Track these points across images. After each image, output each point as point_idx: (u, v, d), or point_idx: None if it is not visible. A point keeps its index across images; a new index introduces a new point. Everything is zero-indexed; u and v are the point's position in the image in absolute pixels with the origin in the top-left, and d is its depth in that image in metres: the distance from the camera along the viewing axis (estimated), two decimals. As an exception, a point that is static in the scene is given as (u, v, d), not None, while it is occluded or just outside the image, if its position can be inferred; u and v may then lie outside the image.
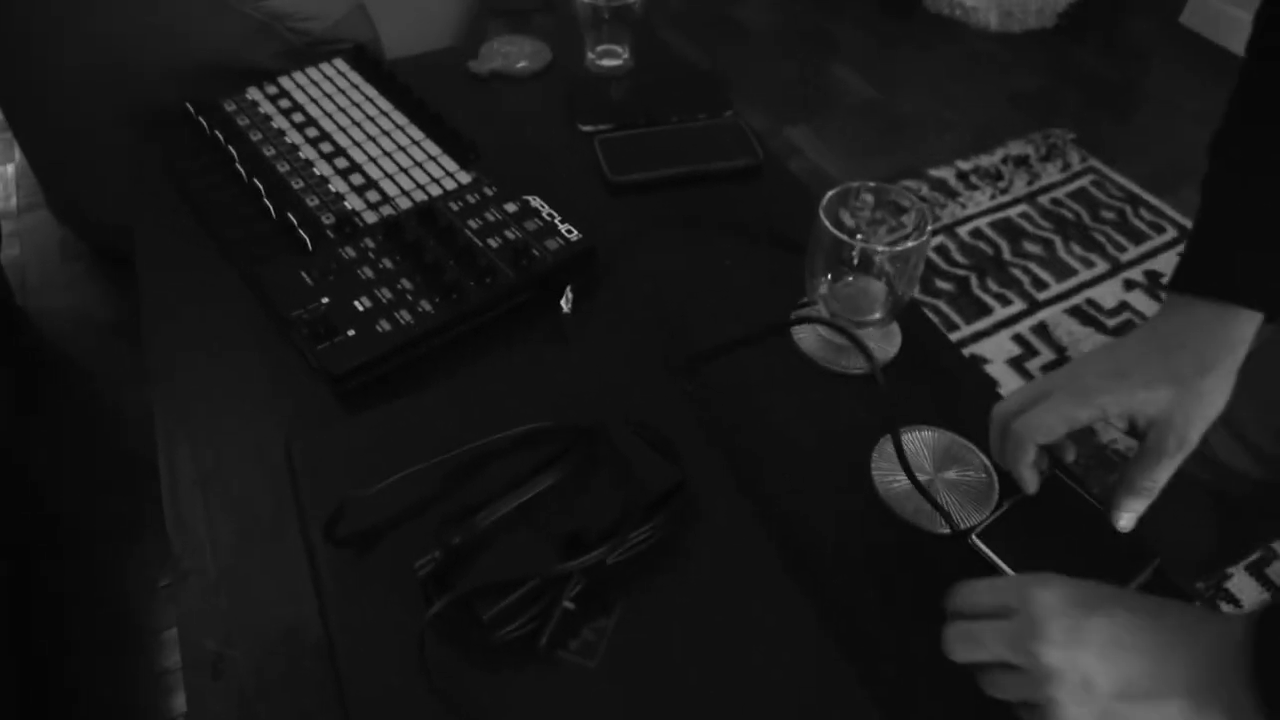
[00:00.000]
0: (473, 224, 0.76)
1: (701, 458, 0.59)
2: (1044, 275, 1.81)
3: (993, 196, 1.99)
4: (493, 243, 0.74)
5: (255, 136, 0.86)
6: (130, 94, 1.33)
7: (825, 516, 0.60)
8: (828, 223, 0.63)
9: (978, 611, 0.48)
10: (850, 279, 0.67)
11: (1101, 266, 1.83)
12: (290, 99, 0.91)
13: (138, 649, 1.28)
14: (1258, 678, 0.40)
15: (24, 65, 1.47)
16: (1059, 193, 2.00)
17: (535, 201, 0.78)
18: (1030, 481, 0.57)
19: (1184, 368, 0.54)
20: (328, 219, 0.77)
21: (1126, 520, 0.56)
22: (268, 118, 0.89)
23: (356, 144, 0.85)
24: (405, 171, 0.82)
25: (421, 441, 0.56)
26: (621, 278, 0.77)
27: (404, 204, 0.79)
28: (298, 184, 0.81)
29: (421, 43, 1.19)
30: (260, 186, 0.78)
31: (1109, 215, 1.95)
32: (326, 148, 0.85)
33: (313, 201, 0.79)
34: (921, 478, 0.61)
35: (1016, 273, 1.81)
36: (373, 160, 0.83)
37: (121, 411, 1.59)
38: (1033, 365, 1.63)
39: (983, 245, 1.88)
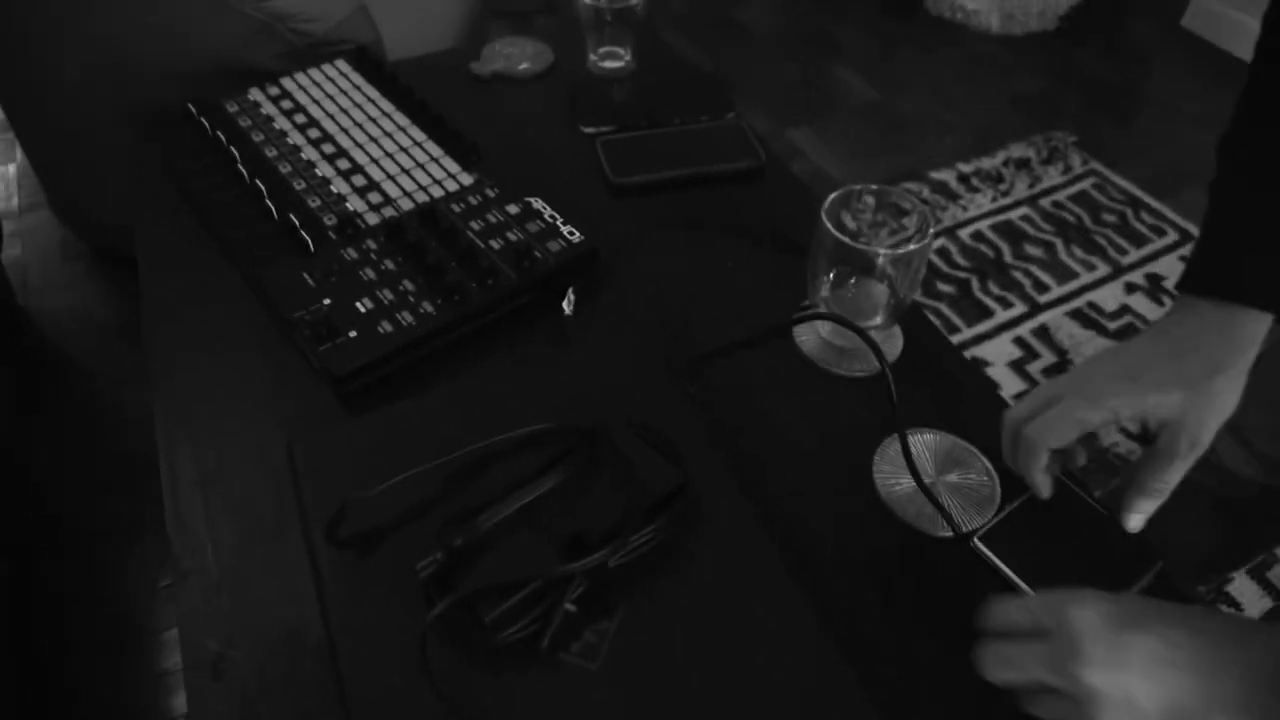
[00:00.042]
0: (475, 225, 0.76)
1: (703, 460, 0.59)
2: (1045, 278, 1.81)
3: (994, 199, 1.99)
4: (495, 244, 0.74)
5: (257, 137, 0.86)
6: (132, 94, 1.33)
7: (827, 519, 0.60)
8: (830, 225, 0.63)
9: (1012, 632, 0.47)
10: (852, 281, 0.67)
11: (1103, 269, 1.83)
12: (292, 100, 0.91)
13: (138, 649, 1.28)
14: None
15: (26, 65, 1.47)
16: (1060, 195, 2.00)
17: (537, 203, 0.78)
18: (1044, 486, 0.57)
19: (1195, 369, 0.54)
20: (330, 220, 0.77)
21: (1136, 521, 0.56)
22: (270, 118, 0.89)
23: (358, 145, 0.85)
24: (407, 173, 0.82)
25: (423, 443, 0.56)
26: (623, 279, 0.77)
27: (406, 205, 0.79)
28: (300, 185, 0.81)
29: (424, 44, 1.18)
30: (262, 187, 0.78)
31: (1110, 218, 1.95)
32: (329, 149, 0.85)
33: (315, 202, 0.79)
34: (924, 480, 0.61)
35: (1018, 275, 1.81)
36: (375, 161, 0.83)
37: (122, 411, 1.59)
38: (1034, 368, 1.63)
39: (984, 248, 1.87)
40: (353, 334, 0.67)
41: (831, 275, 0.66)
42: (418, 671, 0.48)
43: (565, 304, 0.72)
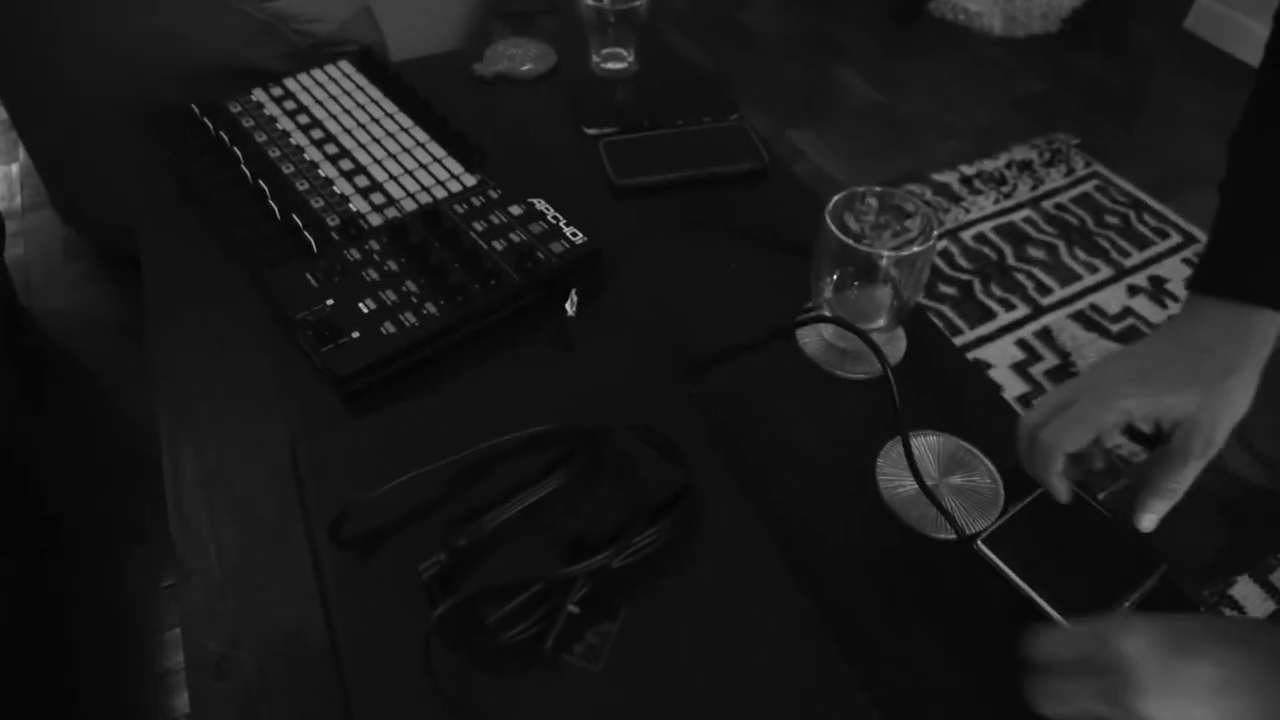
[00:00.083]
0: (477, 226, 0.76)
1: (705, 461, 0.59)
2: (1047, 280, 1.81)
3: (996, 201, 1.99)
4: (497, 245, 0.74)
5: (260, 138, 0.86)
6: (135, 94, 1.32)
7: (829, 521, 0.60)
8: (834, 227, 0.63)
9: (1058, 663, 0.46)
10: (855, 284, 0.67)
11: (1105, 272, 1.83)
12: (295, 100, 0.91)
13: (139, 649, 1.28)
14: None
15: (29, 65, 1.47)
16: (1063, 198, 2.00)
17: (540, 204, 0.78)
18: (1061, 491, 0.56)
19: (1208, 370, 0.54)
20: (333, 221, 0.77)
21: (1150, 521, 0.56)
22: (273, 119, 0.89)
23: (361, 146, 0.85)
24: (410, 174, 0.82)
25: (426, 444, 0.56)
26: (626, 281, 0.77)
27: (409, 206, 0.79)
28: (303, 185, 0.81)
29: (427, 45, 1.19)
30: (265, 188, 0.79)
31: (1113, 220, 1.94)
32: (332, 149, 0.85)
33: (318, 203, 0.79)
34: (927, 483, 0.60)
35: (1020, 278, 1.81)
36: (378, 162, 0.83)
37: (125, 411, 1.59)
38: (1036, 370, 1.63)
39: (986, 250, 1.87)
40: (355, 335, 0.67)
41: (834, 277, 0.66)
42: (420, 672, 0.48)
43: (568, 305, 0.72)
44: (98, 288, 1.81)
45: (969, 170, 2.07)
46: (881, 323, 0.68)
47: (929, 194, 2.00)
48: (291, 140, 0.86)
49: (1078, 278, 1.81)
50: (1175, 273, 1.83)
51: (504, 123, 0.94)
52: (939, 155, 2.12)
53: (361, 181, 0.81)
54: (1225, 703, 0.41)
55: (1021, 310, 1.75)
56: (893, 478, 0.62)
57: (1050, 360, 1.65)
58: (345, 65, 0.96)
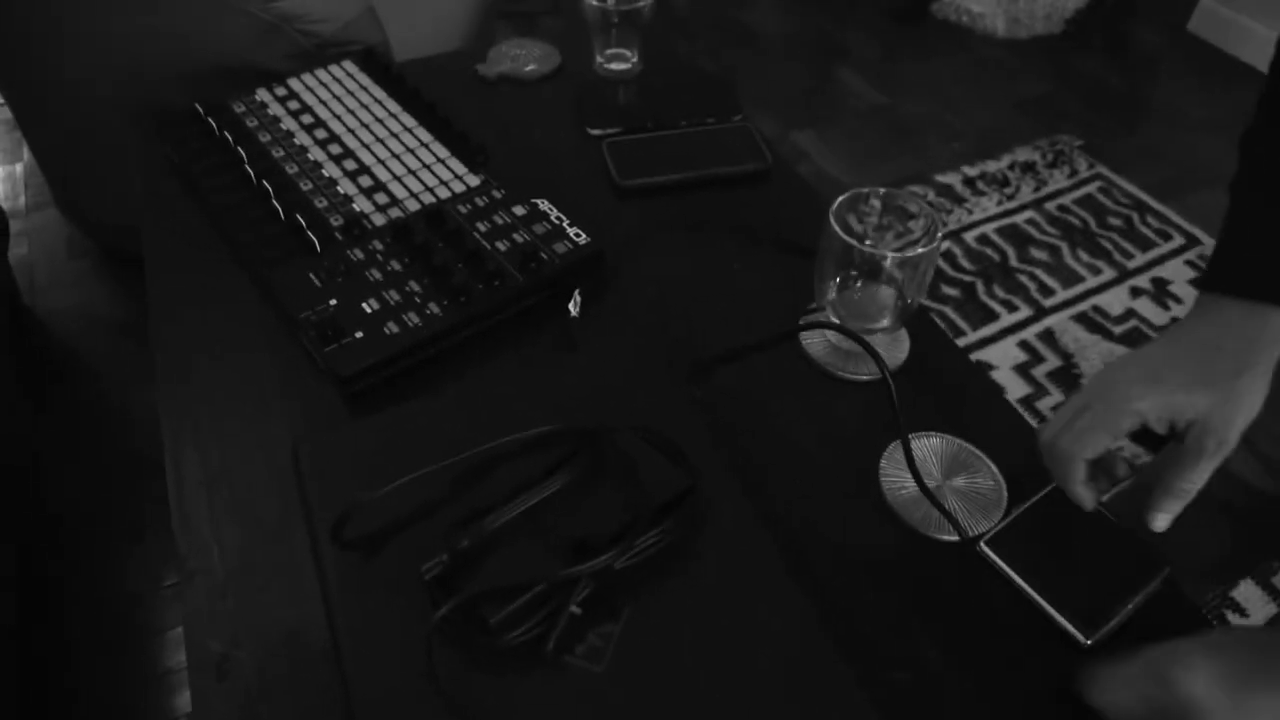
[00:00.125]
0: (481, 227, 0.76)
1: (708, 462, 0.59)
2: (1050, 282, 1.80)
3: (999, 202, 1.99)
4: (501, 246, 0.74)
5: (264, 138, 0.86)
6: (139, 95, 1.33)
7: (832, 523, 0.60)
8: (838, 228, 0.63)
9: (1119, 709, 0.44)
10: (859, 284, 0.66)
11: (1108, 273, 1.82)
12: (299, 100, 0.91)
13: (140, 648, 1.28)
14: None
15: (31, 66, 1.47)
16: (1066, 199, 2.00)
17: (543, 205, 0.78)
18: (1087, 499, 0.56)
19: (1220, 369, 0.53)
20: (336, 220, 0.77)
21: (1163, 521, 0.55)
22: (277, 119, 0.89)
23: (365, 146, 0.85)
24: (414, 174, 0.82)
25: (429, 444, 0.56)
26: (629, 281, 0.77)
27: (412, 206, 0.79)
28: (306, 185, 0.81)
29: (430, 45, 1.19)
30: (269, 188, 0.79)
31: (1116, 222, 1.94)
32: (335, 149, 0.85)
33: (321, 203, 0.79)
34: (930, 484, 0.60)
35: (1023, 279, 1.81)
36: (381, 162, 0.83)
37: (127, 411, 1.59)
38: (1038, 372, 1.63)
39: (989, 251, 1.87)
40: (359, 335, 0.67)
41: (838, 278, 0.66)
42: (422, 673, 0.48)
43: (571, 306, 0.72)
44: (101, 287, 1.81)
45: (972, 171, 2.07)
46: (885, 324, 0.68)
47: (932, 195, 2.00)
48: (295, 140, 0.86)
49: (1080, 279, 1.81)
50: (1178, 274, 1.82)
51: (507, 123, 0.94)
52: (942, 156, 2.12)
53: (365, 181, 0.81)
54: None
55: (1024, 312, 1.74)
56: (895, 479, 0.62)
57: (1053, 362, 1.65)
58: (349, 65, 0.96)
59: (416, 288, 0.70)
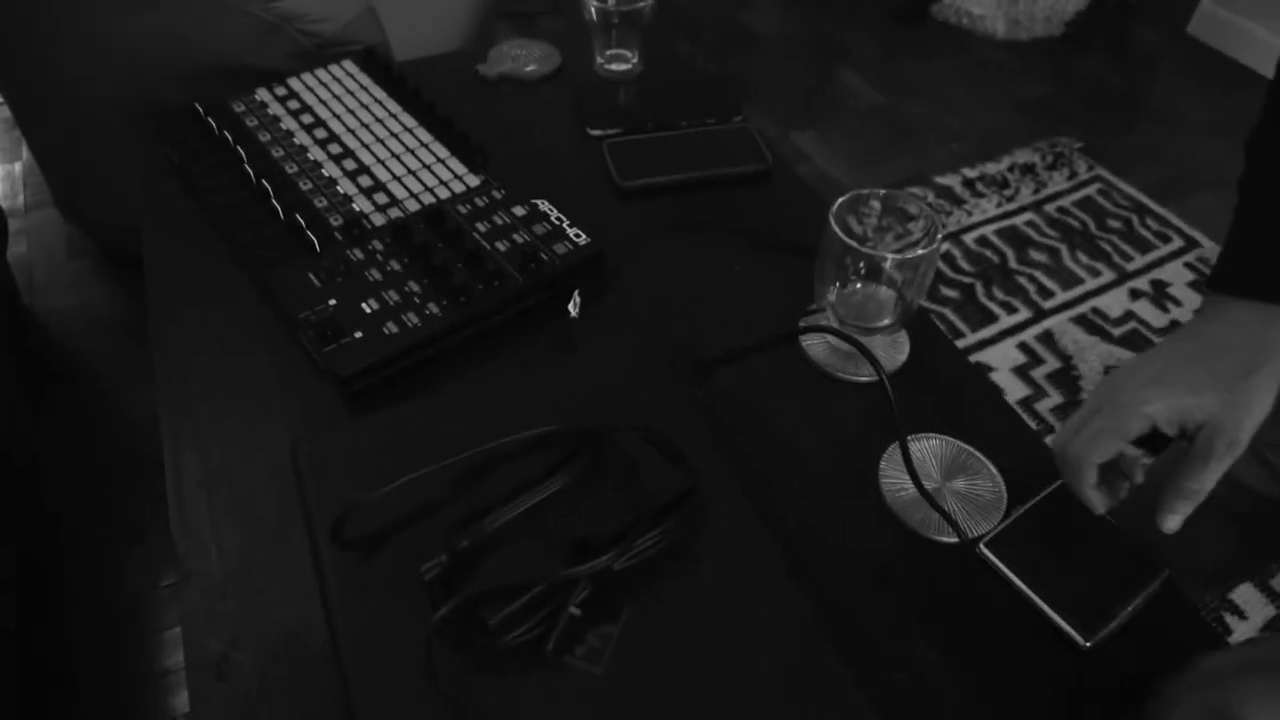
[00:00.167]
0: (481, 227, 0.76)
1: (708, 463, 0.59)
2: (1050, 284, 1.80)
3: (999, 204, 1.99)
4: (501, 246, 0.74)
5: (264, 137, 0.86)
6: (138, 94, 1.33)
7: (832, 524, 0.60)
8: (838, 230, 0.63)
9: None
10: (859, 286, 0.66)
11: (1107, 275, 1.82)
12: (299, 100, 0.91)
13: (139, 649, 1.28)
14: None
15: (31, 65, 1.47)
16: (1065, 201, 2.00)
17: (543, 205, 0.78)
18: (1099, 504, 0.56)
19: (1229, 370, 0.53)
20: (336, 220, 0.77)
21: (1173, 522, 0.55)
22: (276, 119, 0.89)
23: (365, 146, 0.85)
24: (414, 174, 0.82)
25: (429, 445, 0.56)
26: (629, 282, 0.77)
27: (412, 206, 0.79)
28: (306, 185, 0.81)
29: (430, 45, 1.19)
30: (268, 187, 0.78)
31: (1115, 224, 1.94)
32: (335, 149, 0.85)
33: (321, 203, 0.79)
34: (929, 486, 0.60)
35: (1022, 281, 1.81)
36: (381, 162, 0.83)
37: (127, 411, 1.59)
38: (1038, 374, 1.63)
39: (989, 253, 1.87)
40: (358, 335, 0.67)
41: (838, 280, 0.66)
42: (421, 674, 0.48)
43: (571, 306, 0.72)
44: (100, 287, 1.81)
45: (971, 173, 2.07)
46: (885, 324, 0.68)
47: (931, 197, 2.00)
48: (295, 140, 0.86)
49: (1080, 281, 1.81)
50: (1177, 277, 1.82)
51: (508, 123, 0.94)
52: (941, 158, 2.12)
53: (365, 181, 0.81)
54: None
55: (1023, 314, 1.74)
56: (895, 480, 0.62)
57: (1052, 364, 1.65)
58: (349, 65, 0.96)
59: (416, 288, 0.70)
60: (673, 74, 1.02)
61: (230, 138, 0.84)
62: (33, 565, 1.34)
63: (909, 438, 0.61)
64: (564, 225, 0.76)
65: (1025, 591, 0.56)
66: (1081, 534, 0.59)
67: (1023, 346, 1.68)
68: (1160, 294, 1.79)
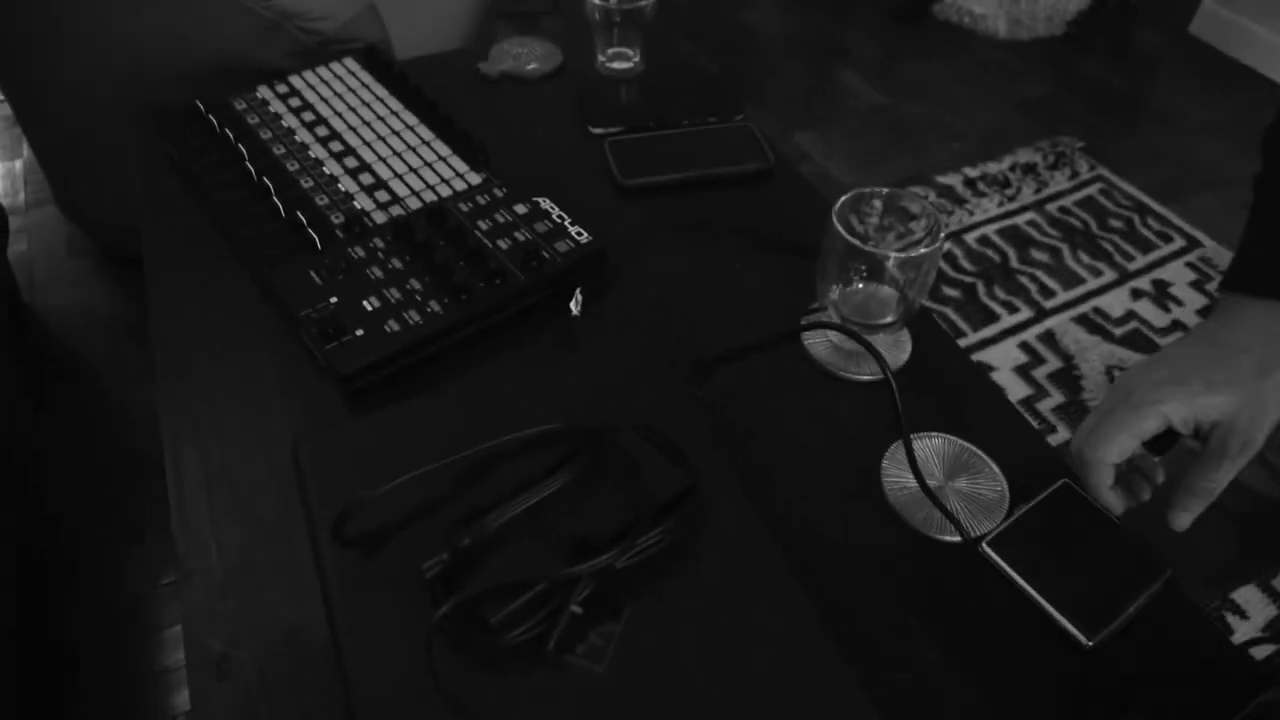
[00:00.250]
0: (482, 225, 0.76)
1: (710, 462, 0.58)
2: (1051, 283, 1.80)
3: (1000, 204, 1.99)
4: (502, 244, 0.74)
5: (265, 135, 0.86)
6: (138, 94, 1.33)
7: (834, 523, 0.60)
8: (841, 228, 0.63)
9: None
10: (861, 285, 0.66)
11: (1109, 275, 1.82)
12: (300, 98, 0.91)
13: (139, 648, 1.28)
14: None
15: (31, 65, 1.47)
16: (1067, 201, 2.00)
17: (545, 203, 0.78)
18: (1115, 504, 0.56)
19: (1245, 370, 0.53)
20: (337, 218, 0.77)
21: (1184, 520, 0.55)
22: (277, 116, 0.88)
23: (366, 143, 0.85)
24: (415, 172, 0.82)
25: (430, 443, 0.56)
26: (631, 280, 0.76)
27: (414, 204, 0.78)
28: (307, 183, 0.80)
29: (432, 43, 1.18)
30: (269, 185, 0.78)
31: (1117, 224, 1.94)
32: (336, 147, 0.85)
33: (322, 200, 0.79)
34: (931, 484, 0.60)
35: (1024, 280, 1.81)
36: (382, 160, 0.83)
37: (127, 410, 1.59)
38: (1039, 373, 1.63)
39: (990, 252, 1.87)
40: (359, 332, 0.67)
41: (841, 279, 0.66)
42: (423, 672, 0.48)
43: (573, 304, 0.72)
44: (101, 285, 1.81)
45: (973, 173, 2.07)
46: (887, 322, 0.67)
47: (932, 196, 2.00)
48: (296, 137, 0.86)
49: (1081, 281, 1.81)
50: (1179, 276, 1.82)
51: (509, 122, 0.94)
52: (942, 157, 2.12)
53: (366, 179, 0.81)
54: None
55: (1025, 313, 1.74)
56: (897, 479, 0.62)
57: (1053, 363, 1.65)
58: (350, 63, 0.96)
59: (417, 286, 0.70)
60: (674, 72, 1.02)
61: (231, 135, 0.84)
62: (33, 565, 1.34)
63: (912, 436, 0.60)
64: (565, 223, 0.76)
65: (1028, 591, 0.56)
66: (1084, 533, 0.59)
67: (1024, 346, 1.68)
68: (1162, 294, 1.79)
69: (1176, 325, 1.73)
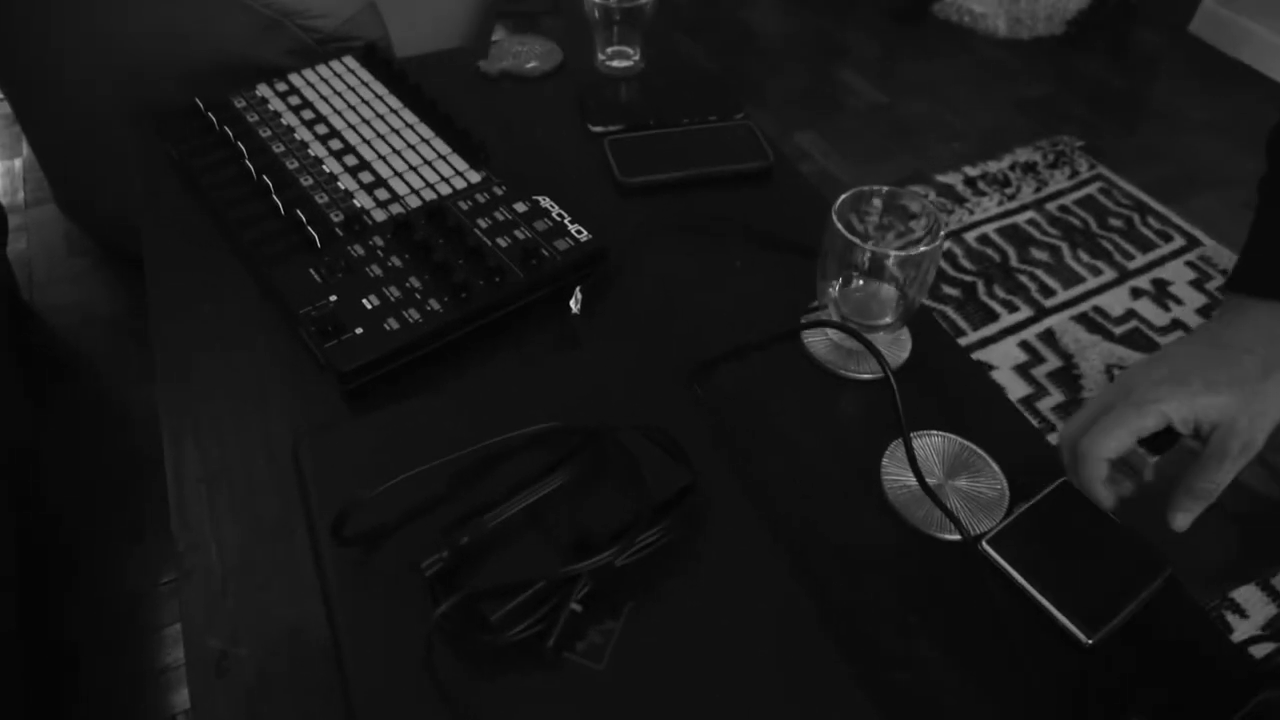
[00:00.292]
0: (482, 223, 0.76)
1: (709, 461, 0.58)
2: (1051, 282, 1.80)
3: (1000, 203, 1.99)
4: (502, 242, 0.74)
5: (264, 133, 0.86)
6: (139, 94, 1.33)
7: (834, 521, 0.60)
8: (841, 227, 0.63)
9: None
10: (861, 284, 0.66)
11: (1109, 274, 1.82)
12: (300, 96, 0.91)
13: (139, 645, 1.28)
14: None
15: (30, 65, 1.47)
16: (1066, 200, 2.00)
17: (545, 202, 0.78)
18: (1106, 499, 0.55)
19: (1247, 371, 0.53)
20: (337, 216, 0.76)
21: (1183, 521, 0.55)
22: (277, 114, 0.88)
23: (366, 141, 0.85)
24: (415, 170, 0.82)
25: (429, 441, 0.56)
26: (631, 279, 0.76)
27: (413, 202, 0.78)
28: (307, 181, 0.80)
29: (432, 42, 1.18)
30: (269, 183, 0.78)
31: (1116, 223, 1.94)
32: (336, 145, 0.85)
33: (322, 199, 0.79)
34: (931, 483, 0.60)
35: (1023, 279, 1.81)
36: (382, 158, 0.83)
37: (127, 409, 1.59)
38: (1039, 372, 1.63)
39: (990, 251, 1.87)
40: (359, 331, 0.67)
41: (840, 277, 0.66)
42: (422, 670, 0.48)
43: (572, 303, 0.72)
44: (101, 283, 1.81)
45: (973, 172, 2.07)
46: (887, 322, 0.67)
47: (932, 195, 2.00)
48: (296, 136, 0.86)
49: (1081, 280, 1.81)
50: (1178, 276, 1.82)
51: (509, 120, 0.94)
52: (942, 157, 2.12)
53: (366, 177, 0.81)
54: None
55: (1024, 312, 1.74)
56: (897, 478, 0.62)
57: (1053, 362, 1.65)
58: (350, 61, 0.96)
59: (417, 284, 0.70)
60: (674, 71, 1.02)
61: (231, 134, 0.84)
62: (33, 564, 1.34)
63: (912, 435, 0.60)
64: (565, 222, 0.76)
65: (1028, 589, 0.56)
66: (1084, 532, 0.59)
67: (1024, 345, 1.68)
68: (1161, 293, 1.79)
69: (1176, 324, 1.73)
